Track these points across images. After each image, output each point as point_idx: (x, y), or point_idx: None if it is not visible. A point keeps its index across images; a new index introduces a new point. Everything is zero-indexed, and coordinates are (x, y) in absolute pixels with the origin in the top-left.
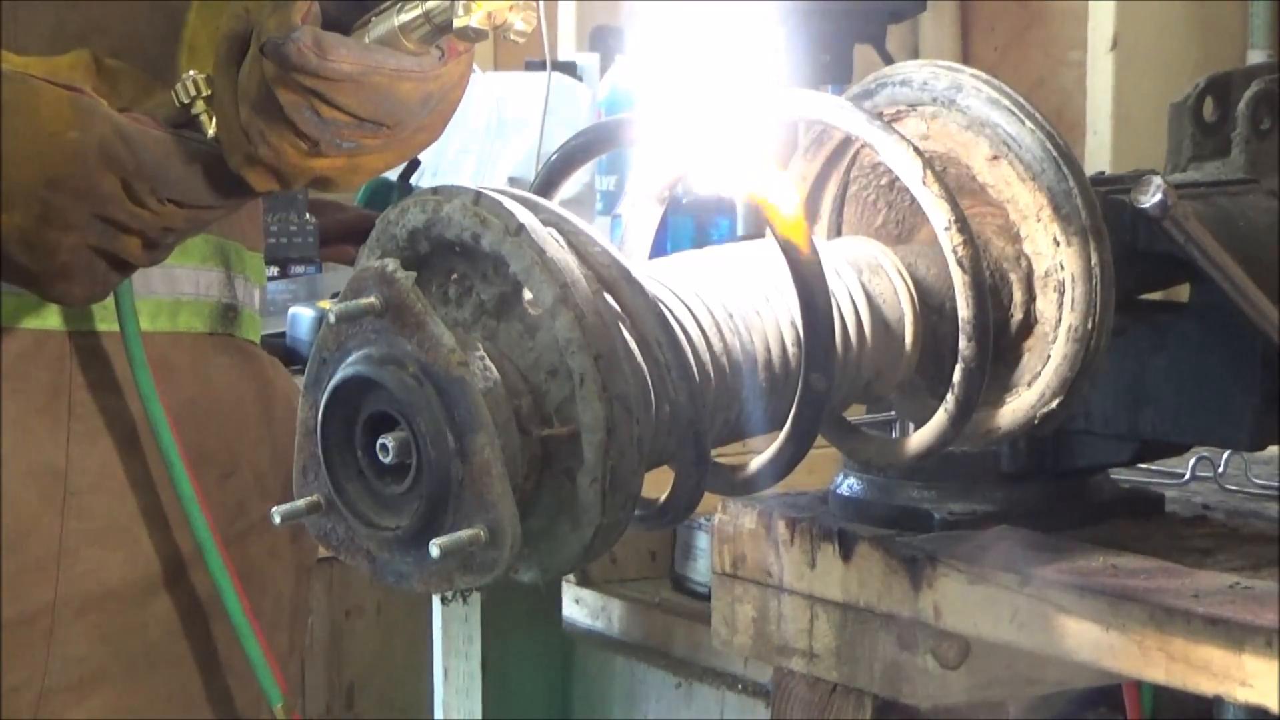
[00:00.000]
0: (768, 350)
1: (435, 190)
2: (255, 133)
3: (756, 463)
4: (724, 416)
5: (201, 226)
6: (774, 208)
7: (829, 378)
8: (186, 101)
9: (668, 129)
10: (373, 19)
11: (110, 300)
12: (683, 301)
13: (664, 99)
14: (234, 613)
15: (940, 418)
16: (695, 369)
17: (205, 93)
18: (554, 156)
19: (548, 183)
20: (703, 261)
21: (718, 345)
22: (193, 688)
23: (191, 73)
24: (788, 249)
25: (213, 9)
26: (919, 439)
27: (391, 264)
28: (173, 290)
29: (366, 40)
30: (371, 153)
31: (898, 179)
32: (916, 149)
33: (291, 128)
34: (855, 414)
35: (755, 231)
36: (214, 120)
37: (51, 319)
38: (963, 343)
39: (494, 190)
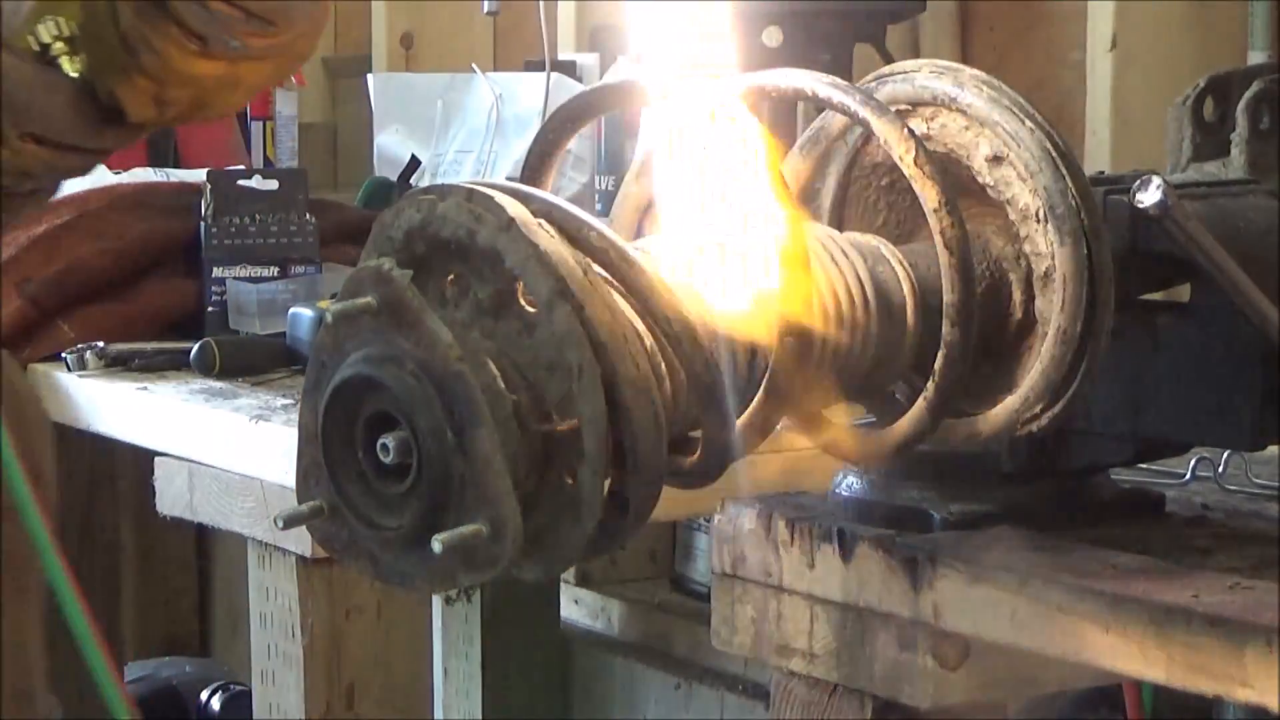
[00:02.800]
0: None
1: (429, 189)
2: (138, 37)
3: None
4: (741, 377)
5: (59, 176)
6: (758, 168)
7: (805, 341)
8: (47, 41)
9: (654, 95)
10: None
11: None
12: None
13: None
14: (73, 617)
15: (920, 407)
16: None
17: (65, 33)
18: (544, 127)
19: (541, 154)
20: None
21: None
22: None
23: (49, 16)
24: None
25: None
26: (898, 430)
27: (387, 263)
28: None
29: None
30: (255, 59)
31: (898, 179)
32: (909, 130)
33: (178, 25)
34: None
35: None
36: (76, 60)
37: None
38: (946, 327)
39: (486, 185)
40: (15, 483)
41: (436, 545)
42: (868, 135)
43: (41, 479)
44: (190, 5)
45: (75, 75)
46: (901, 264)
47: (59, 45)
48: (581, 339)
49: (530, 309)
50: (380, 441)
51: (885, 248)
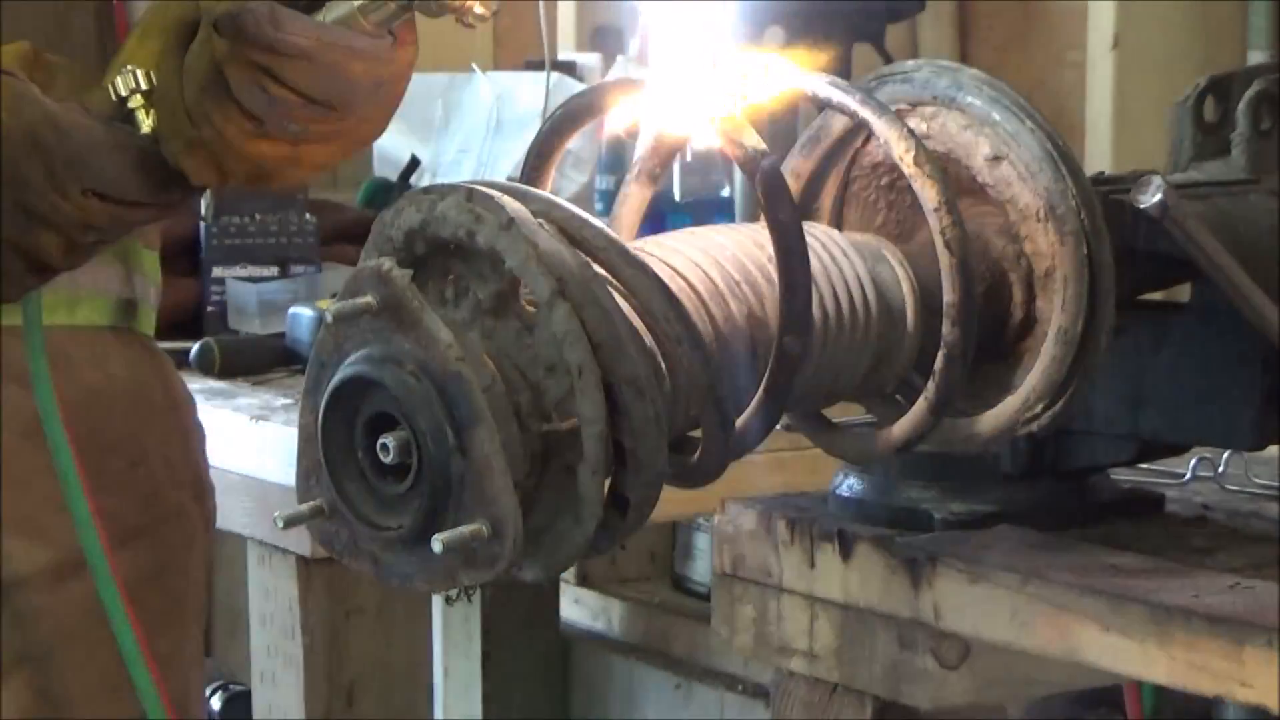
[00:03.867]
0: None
1: (428, 189)
2: (200, 114)
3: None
4: (741, 376)
5: (124, 229)
6: (754, 165)
7: (804, 341)
8: (124, 94)
9: (653, 95)
10: (330, 1)
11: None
12: (681, 274)
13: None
14: (116, 619)
15: (920, 406)
16: (706, 337)
17: (144, 87)
18: (544, 127)
19: (541, 154)
20: (698, 235)
21: (719, 312)
22: (114, 673)
23: (130, 66)
24: (768, 206)
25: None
26: (898, 430)
27: (387, 263)
28: (72, 284)
29: (324, 20)
30: (316, 141)
31: (898, 179)
32: (909, 129)
33: (238, 107)
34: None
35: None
36: (151, 115)
37: None
38: (946, 327)
39: (486, 184)
40: (68, 474)
41: (436, 545)
42: (868, 135)
43: (197, 485)
44: (249, 88)
45: (148, 130)
46: (901, 264)
47: (136, 99)
48: (581, 339)
49: (530, 309)
50: (380, 441)
51: (885, 248)
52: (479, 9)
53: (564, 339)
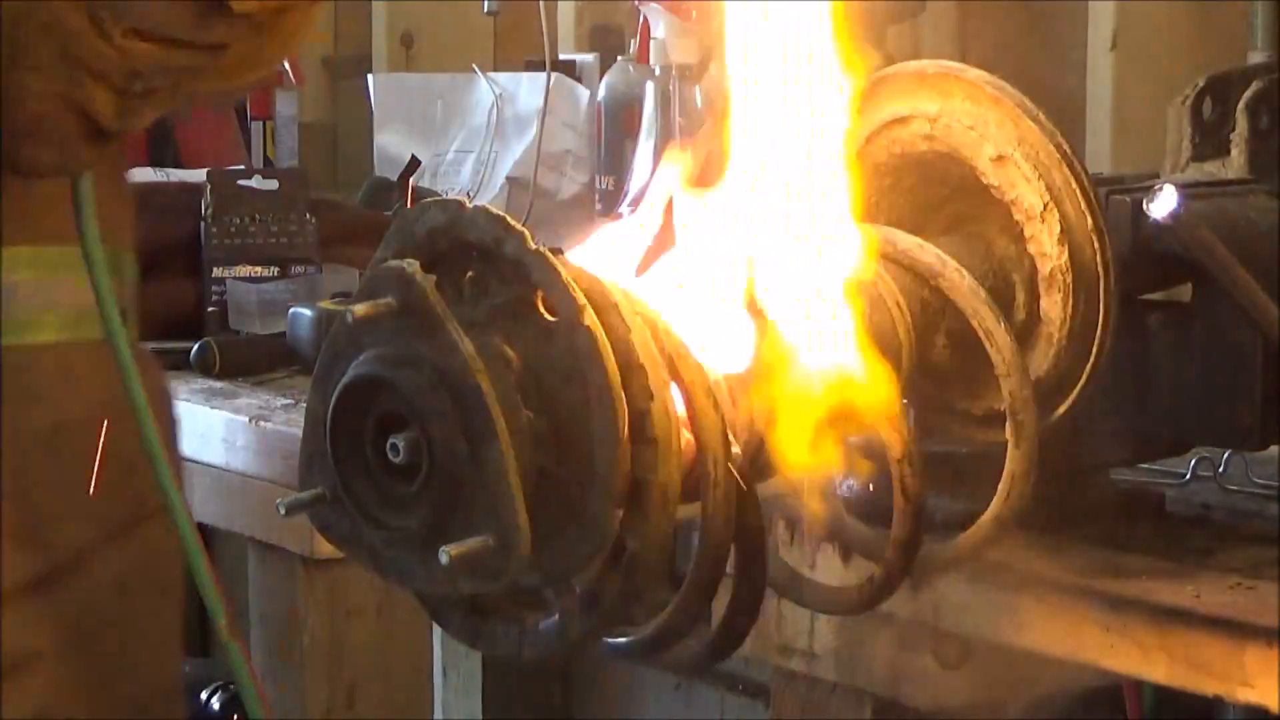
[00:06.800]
0: None
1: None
2: None
3: None
4: None
5: (172, 74)
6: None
7: None
8: None
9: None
10: None
11: (8, 313)
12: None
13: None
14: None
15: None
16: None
17: None
18: None
19: None
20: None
21: None
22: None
23: None
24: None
25: None
26: None
27: (410, 265)
28: (75, 301)
29: None
30: None
31: (899, 180)
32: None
33: None
34: None
35: None
36: None
37: None
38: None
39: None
40: (164, 477)
41: (444, 558)
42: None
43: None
44: None
45: None
46: (894, 283)
47: None
48: (599, 360)
49: (550, 317)
50: (390, 441)
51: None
52: None
53: (584, 358)
